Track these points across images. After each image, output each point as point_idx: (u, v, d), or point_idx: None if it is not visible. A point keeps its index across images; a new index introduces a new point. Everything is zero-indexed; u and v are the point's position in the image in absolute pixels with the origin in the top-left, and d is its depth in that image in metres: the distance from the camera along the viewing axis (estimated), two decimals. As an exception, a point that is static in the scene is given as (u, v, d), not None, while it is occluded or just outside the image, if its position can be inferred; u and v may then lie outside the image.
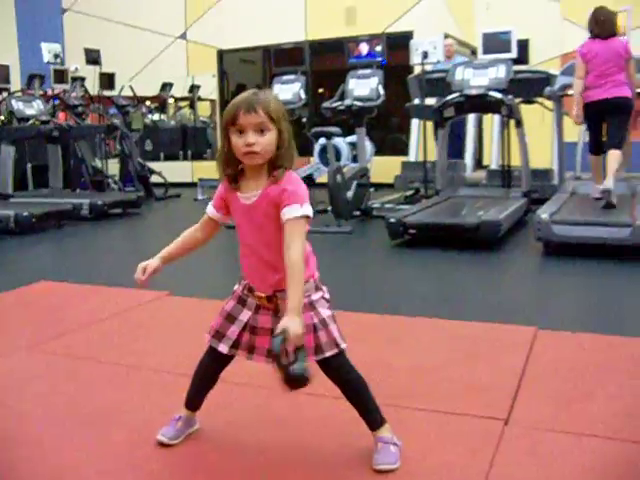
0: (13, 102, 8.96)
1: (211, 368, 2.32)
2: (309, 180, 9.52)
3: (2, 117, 9.76)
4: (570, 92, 6.98)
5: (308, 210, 2.04)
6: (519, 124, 7.09)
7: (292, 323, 1.90)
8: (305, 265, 2.03)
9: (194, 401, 2.38)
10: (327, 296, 2.18)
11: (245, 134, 2.02)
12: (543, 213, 5.62)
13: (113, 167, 10.78)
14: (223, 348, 2.22)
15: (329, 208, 7.24)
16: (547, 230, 5.50)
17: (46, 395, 2.81)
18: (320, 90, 12.26)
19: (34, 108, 9.04)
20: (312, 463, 2.21)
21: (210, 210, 2.27)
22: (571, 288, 4.67)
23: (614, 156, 6.02)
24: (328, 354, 2.11)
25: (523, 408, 2.57)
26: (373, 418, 2.21)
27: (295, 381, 1.88)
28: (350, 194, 7.29)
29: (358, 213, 7.77)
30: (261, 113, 2.02)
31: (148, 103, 13.54)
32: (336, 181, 6.99)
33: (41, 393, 2.83)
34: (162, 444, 2.31)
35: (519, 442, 2.30)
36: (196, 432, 2.40)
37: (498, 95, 6.89)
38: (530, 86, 7.95)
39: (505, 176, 8.10)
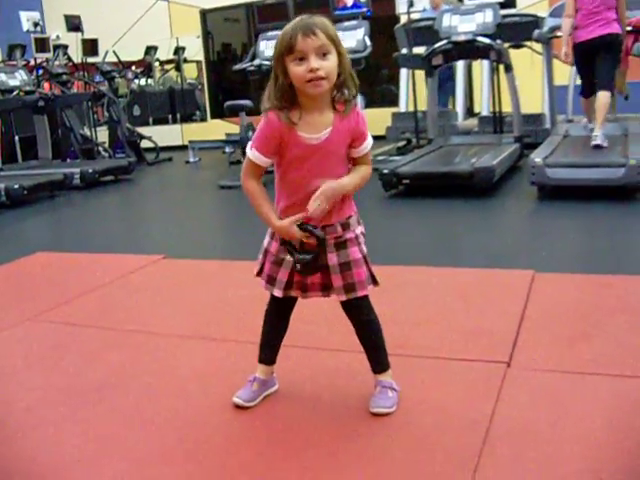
0: (-5, 74, 8.83)
1: (277, 314, 2.27)
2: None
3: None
4: (559, 34, 6.90)
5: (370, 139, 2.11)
6: (508, 69, 7.02)
7: (331, 183, 2.01)
8: (349, 198, 2.12)
9: (268, 353, 2.31)
10: (364, 230, 2.20)
11: (306, 60, 1.91)
12: (536, 157, 5.60)
13: (102, 135, 10.67)
14: (278, 292, 2.16)
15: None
16: (541, 174, 5.49)
17: (55, 363, 2.82)
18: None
19: (17, 79, 8.92)
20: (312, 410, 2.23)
21: (259, 158, 2.05)
22: (567, 231, 4.67)
23: (604, 99, 5.98)
24: (361, 293, 2.13)
25: (525, 350, 2.59)
26: (381, 360, 2.24)
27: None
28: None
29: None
30: (321, 35, 1.90)
31: (134, 68, 13.37)
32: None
33: (49, 362, 2.84)
34: (238, 406, 2.26)
35: (522, 384, 2.33)
36: (275, 393, 2.36)
37: (486, 40, 6.81)
38: (518, 30, 7.84)
39: (497, 122, 8.04)
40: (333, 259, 2.09)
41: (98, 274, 4.11)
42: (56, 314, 3.44)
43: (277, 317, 2.27)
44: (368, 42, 7.93)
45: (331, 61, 1.94)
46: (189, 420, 2.25)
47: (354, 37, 8.01)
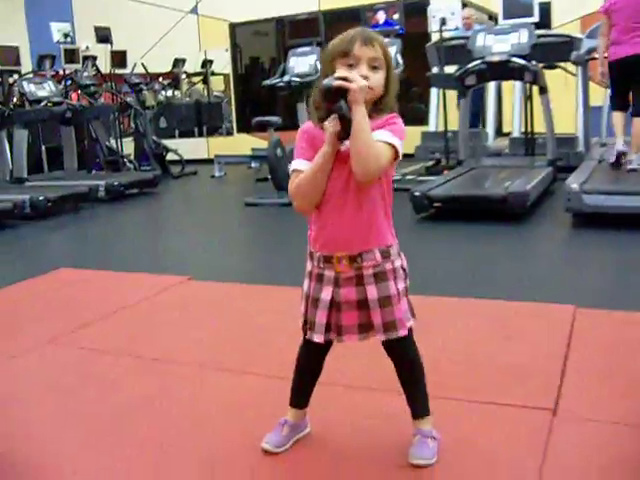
0: (24, 84, 8.81)
1: (312, 359, 2.12)
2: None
3: (14, 100, 9.61)
4: (597, 55, 6.74)
5: (399, 145, 1.89)
6: (544, 91, 6.87)
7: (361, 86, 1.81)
8: (389, 221, 1.99)
9: (300, 398, 2.17)
10: (405, 265, 2.03)
11: (357, 67, 1.86)
12: (573, 183, 5.42)
13: (128, 146, 10.63)
14: (319, 338, 1.99)
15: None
16: (577, 201, 5.31)
17: (74, 391, 2.71)
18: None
19: (46, 90, 8.89)
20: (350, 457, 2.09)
21: (302, 163, 1.94)
22: (606, 261, 4.50)
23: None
24: (409, 325, 2.00)
25: (571, 397, 2.43)
26: (421, 405, 2.09)
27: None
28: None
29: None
30: (378, 48, 1.89)
31: (161, 79, 13.36)
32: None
33: (68, 389, 2.73)
34: (267, 452, 2.12)
35: (571, 435, 2.17)
36: (307, 436, 2.21)
37: (521, 61, 6.66)
38: (553, 51, 7.69)
39: (529, 144, 7.88)
40: (373, 292, 1.94)
41: (121, 295, 4.01)
42: (77, 337, 3.33)
43: (311, 362, 2.13)
44: (400, 60, 7.81)
45: (380, 75, 1.90)
46: (211, 460, 2.12)
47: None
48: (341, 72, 1.83)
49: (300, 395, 2.17)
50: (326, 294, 1.97)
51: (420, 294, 3.72)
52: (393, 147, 1.88)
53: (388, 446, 2.14)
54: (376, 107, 1.92)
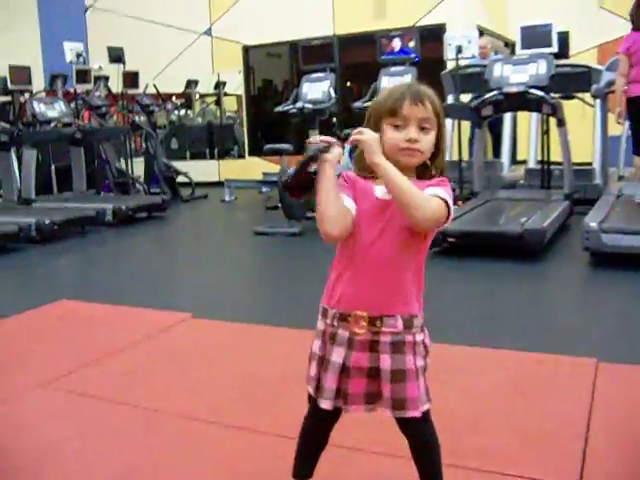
0: (35, 104, 8.73)
1: (319, 426, 1.94)
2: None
3: (25, 119, 9.53)
4: (614, 88, 6.60)
5: (450, 200, 1.74)
6: (561, 123, 6.70)
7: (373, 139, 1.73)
8: (419, 291, 1.81)
9: (303, 468, 2.00)
10: (427, 341, 1.85)
11: (406, 128, 1.74)
12: (591, 221, 5.25)
13: (138, 167, 10.52)
14: (327, 404, 1.82)
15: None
16: (596, 240, 5.13)
17: (64, 447, 2.55)
18: (348, 84, 11.93)
19: (56, 110, 8.81)
20: None
21: (350, 204, 1.78)
22: (628, 306, 4.31)
23: None
24: (424, 408, 1.82)
25: (597, 469, 2.24)
26: None
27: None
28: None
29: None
30: (429, 107, 1.75)
31: (174, 99, 13.28)
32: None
33: (59, 444, 2.57)
34: None
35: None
36: None
37: (540, 93, 6.51)
38: (571, 81, 7.55)
39: (545, 176, 7.71)
40: (386, 362, 1.76)
41: (122, 332, 3.87)
42: (72, 381, 3.17)
43: (318, 430, 1.95)
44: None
45: (431, 136, 1.77)
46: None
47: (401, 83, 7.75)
48: (316, 137, 1.80)
49: (304, 465, 2.00)
50: (337, 356, 1.80)
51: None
52: (446, 203, 1.72)
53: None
54: (425, 169, 1.80)
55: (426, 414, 1.84)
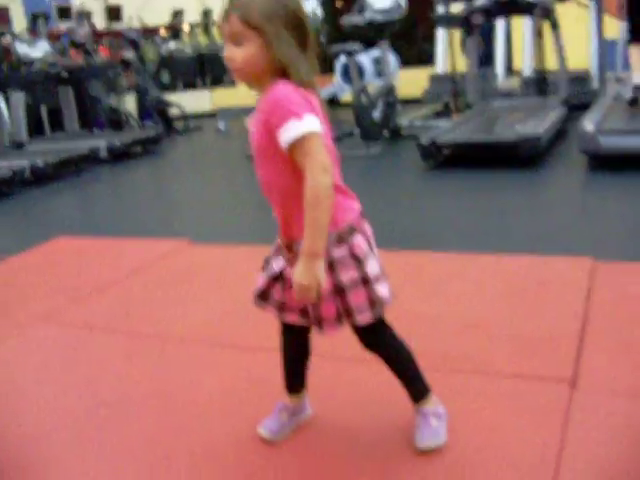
0: (17, 45, 8.57)
1: (288, 337, 1.94)
2: (332, 101, 9.10)
3: (9, 61, 9.36)
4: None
5: (310, 124, 1.58)
6: (555, 26, 6.55)
7: (295, 272, 1.63)
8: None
9: (292, 381, 2.01)
10: (359, 251, 1.71)
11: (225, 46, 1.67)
12: (588, 123, 5.18)
13: (130, 102, 10.37)
14: (254, 299, 1.86)
15: (355, 130, 6.84)
16: (593, 142, 5.07)
17: (64, 374, 2.58)
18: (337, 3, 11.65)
19: (40, 49, 8.65)
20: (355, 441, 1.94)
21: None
22: (625, 207, 4.27)
23: None
24: (357, 321, 1.75)
25: (592, 365, 2.25)
26: (415, 390, 1.92)
27: None
28: (377, 114, 6.87)
29: (386, 133, 7.37)
30: (235, 21, 1.62)
31: (162, 32, 13.01)
32: (361, 102, 6.58)
33: (58, 372, 2.60)
34: (264, 440, 1.97)
35: (592, 410, 1.99)
36: (307, 419, 2.06)
37: (530, -5, 6.35)
38: (564, -18, 7.35)
39: (540, 83, 7.58)
40: None
41: (119, 264, 3.86)
42: (70, 314, 3.18)
43: (290, 343, 1.96)
44: (403, 3, 7.47)
45: (246, 51, 1.63)
46: (207, 448, 1.99)
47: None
48: None
49: (292, 379, 2.01)
50: (276, 265, 1.81)
51: (424, 249, 3.58)
52: (310, 134, 1.58)
53: (395, 423, 1.99)
54: (261, 81, 1.67)
55: (373, 323, 1.77)
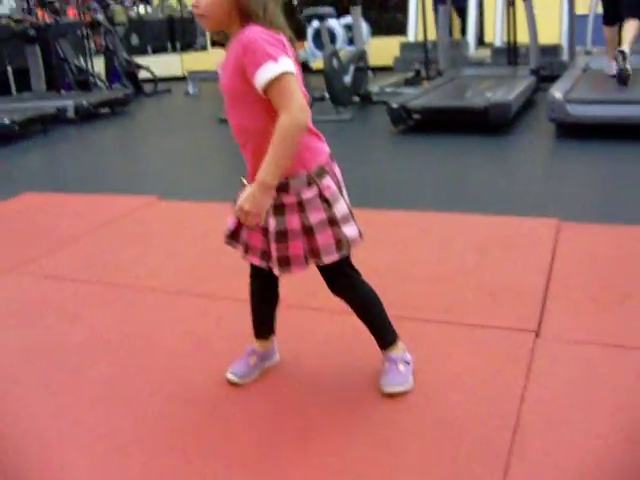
0: (-17, 0, 8.38)
1: (257, 282, 1.97)
2: (304, 66, 9.06)
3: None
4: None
5: (285, 65, 1.59)
6: (526, -3, 6.57)
7: (242, 195, 1.67)
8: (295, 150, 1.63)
9: (260, 327, 2.04)
10: (329, 193, 1.74)
11: None
12: (556, 92, 5.23)
13: (99, 65, 10.23)
14: (224, 239, 1.89)
15: (326, 95, 6.83)
16: (561, 110, 5.13)
17: (33, 322, 2.57)
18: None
19: (5, 6, 8.46)
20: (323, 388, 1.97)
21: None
22: (590, 173, 4.35)
23: (633, 25, 5.50)
24: (323, 261, 1.77)
25: (555, 316, 2.32)
26: (383, 336, 1.96)
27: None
28: (348, 79, 6.86)
29: (357, 99, 7.38)
30: None
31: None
32: (332, 66, 6.55)
33: (28, 320, 2.59)
34: (232, 383, 2.01)
35: (555, 358, 2.06)
36: (275, 365, 2.10)
37: (503, -36, 6.35)
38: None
39: (511, 53, 7.63)
40: (271, 224, 1.75)
41: (87, 218, 3.84)
42: (39, 265, 3.17)
43: (259, 287, 1.99)
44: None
45: None
46: (178, 395, 2.00)
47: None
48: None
49: (259, 324, 2.05)
50: None
51: (395, 208, 3.61)
52: (286, 74, 1.59)
53: (362, 371, 2.03)
54: (229, 27, 1.69)
55: (340, 265, 1.81)
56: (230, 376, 2.01)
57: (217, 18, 1.67)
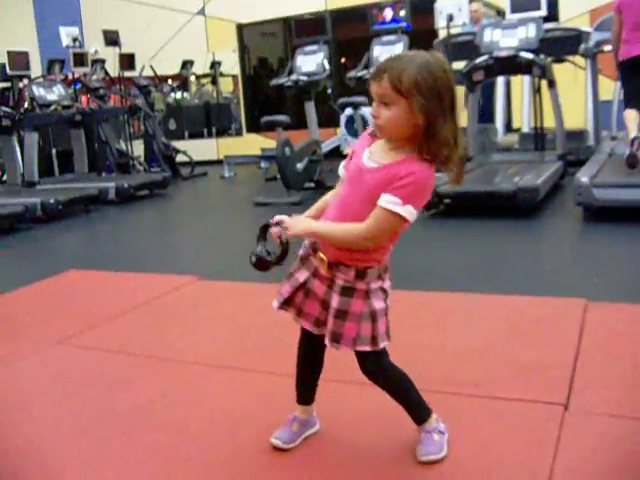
0: (34, 88, 8.84)
1: (305, 348, 2.11)
2: (336, 152, 9.36)
3: (25, 104, 9.64)
4: (606, 48, 6.69)
5: (407, 212, 1.79)
6: (552, 85, 6.82)
7: (296, 218, 1.88)
8: (376, 249, 1.89)
9: (303, 392, 2.16)
10: (387, 286, 1.96)
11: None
12: (583, 176, 5.39)
13: (138, 148, 10.65)
14: (275, 303, 2.04)
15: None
16: (588, 194, 5.27)
17: (82, 392, 2.70)
18: (343, 60, 11.99)
19: (55, 93, 8.92)
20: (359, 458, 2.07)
21: (341, 171, 1.99)
22: (617, 255, 4.45)
23: None
24: (362, 348, 1.93)
25: (583, 391, 2.40)
26: (417, 414, 2.07)
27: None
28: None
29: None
30: (385, 82, 1.75)
31: (170, 82, 13.37)
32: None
33: (76, 390, 2.72)
34: (277, 448, 2.11)
35: (584, 430, 2.14)
36: (316, 434, 2.19)
37: (529, 55, 6.63)
38: (561, 44, 7.62)
39: (538, 139, 7.84)
40: (335, 301, 1.93)
41: (129, 295, 4.01)
42: (86, 338, 3.33)
43: (307, 351, 2.13)
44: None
45: (391, 112, 1.77)
46: (222, 461, 2.11)
47: (393, 52, 7.86)
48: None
49: (303, 390, 2.16)
50: (301, 276, 2.00)
51: (429, 290, 3.74)
52: (399, 217, 1.80)
53: (399, 443, 2.12)
54: (398, 146, 1.83)
55: (375, 353, 1.94)
56: (275, 441, 2.12)
57: (396, 135, 1.81)
